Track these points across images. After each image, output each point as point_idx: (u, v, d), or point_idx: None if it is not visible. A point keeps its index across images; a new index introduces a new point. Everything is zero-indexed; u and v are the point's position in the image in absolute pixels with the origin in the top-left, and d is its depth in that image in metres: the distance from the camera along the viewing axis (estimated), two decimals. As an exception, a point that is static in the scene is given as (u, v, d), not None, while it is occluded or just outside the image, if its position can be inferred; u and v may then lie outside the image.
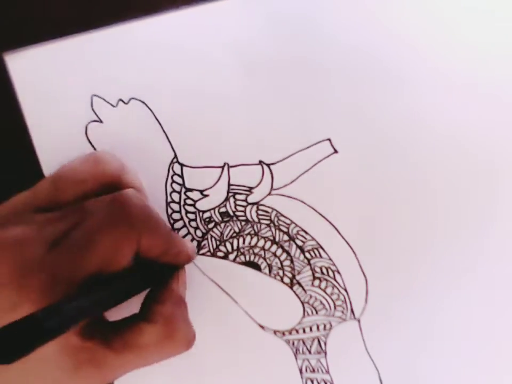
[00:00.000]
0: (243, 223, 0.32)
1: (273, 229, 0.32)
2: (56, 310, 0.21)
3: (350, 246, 0.32)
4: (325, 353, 0.31)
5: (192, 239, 0.32)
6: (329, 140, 0.32)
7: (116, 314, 0.27)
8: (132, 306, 0.27)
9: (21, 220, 0.26)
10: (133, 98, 0.32)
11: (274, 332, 0.31)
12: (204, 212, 0.32)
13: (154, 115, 0.32)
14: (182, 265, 0.29)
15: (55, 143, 0.32)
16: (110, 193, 0.27)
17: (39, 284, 0.23)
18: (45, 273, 0.24)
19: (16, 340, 0.19)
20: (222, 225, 0.32)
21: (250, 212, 0.32)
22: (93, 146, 0.32)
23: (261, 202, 0.32)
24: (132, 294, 0.27)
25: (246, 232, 0.32)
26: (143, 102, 0.32)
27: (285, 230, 0.32)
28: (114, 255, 0.25)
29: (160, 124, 0.32)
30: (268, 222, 0.32)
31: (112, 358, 0.25)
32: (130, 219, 0.26)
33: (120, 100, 0.32)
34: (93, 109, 0.32)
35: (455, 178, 0.32)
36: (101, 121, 0.32)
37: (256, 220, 0.32)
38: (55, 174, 0.28)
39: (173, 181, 0.32)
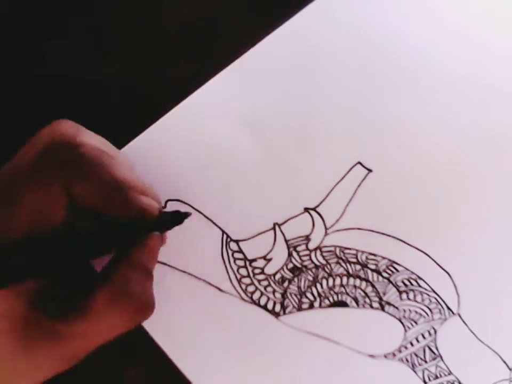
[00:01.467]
0: (314, 270, 0.33)
1: (343, 264, 0.33)
2: None
3: (420, 250, 0.32)
4: (440, 356, 0.32)
5: (274, 303, 0.33)
6: (359, 162, 0.33)
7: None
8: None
9: None
10: (168, 200, 0.34)
11: (385, 356, 0.32)
12: (274, 274, 0.33)
13: (193, 207, 0.33)
14: (146, 226, 0.27)
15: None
16: None
17: None
18: None
19: None
20: (296, 279, 0.33)
21: (316, 257, 0.33)
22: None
23: (322, 245, 0.33)
24: (84, 255, 0.26)
25: (320, 276, 0.33)
26: (179, 200, 0.34)
27: (354, 260, 0.33)
28: (41, 207, 0.24)
29: (201, 213, 0.33)
30: (335, 259, 0.33)
31: (63, 328, 0.24)
32: (52, 166, 0.25)
33: (158, 206, 0.34)
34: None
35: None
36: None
37: (324, 262, 0.33)
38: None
39: (235, 258, 0.33)
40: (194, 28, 0.38)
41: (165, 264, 0.33)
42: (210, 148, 0.34)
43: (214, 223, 0.33)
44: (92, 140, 0.27)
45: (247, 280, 0.33)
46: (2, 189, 0.25)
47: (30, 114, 0.37)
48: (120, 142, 0.35)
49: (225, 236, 0.33)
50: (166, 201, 0.34)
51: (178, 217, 0.29)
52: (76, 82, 0.37)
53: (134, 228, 0.27)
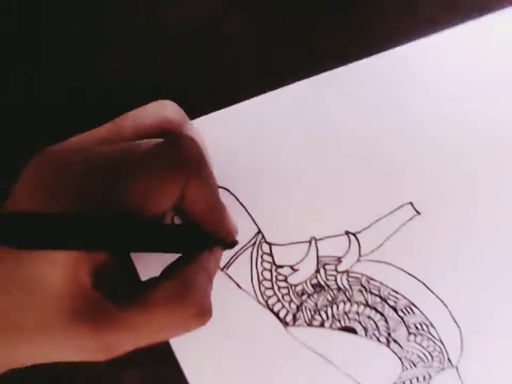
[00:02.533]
0: (335, 291, 0.33)
1: (364, 293, 0.33)
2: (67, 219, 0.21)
3: (441, 300, 0.33)
4: (428, 401, 0.33)
5: (287, 312, 0.33)
6: (411, 203, 0.33)
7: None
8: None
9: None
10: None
11: (377, 388, 0.33)
12: (296, 285, 0.33)
13: (238, 200, 0.32)
14: (221, 242, 0.27)
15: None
16: None
17: (74, 192, 0.23)
18: (80, 183, 0.23)
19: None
20: (315, 295, 0.33)
21: (341, 280, 0.33)
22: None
23: (350, 270, 0.33)
24: (162, 248, 0.25)
25: (339, 299, 0.33)
26: (226, 189, 0.32)
27: (376, 292, 0.33)
28: (155, 193, 0.23)
29: (244, 208, 0.33)
30: (359, 287, 0.33)
31: (115, 315, 0.22)
32: (181, 160, 0.24)
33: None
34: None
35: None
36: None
37: (347, 287, 0.33)
38: (119, 116, 0.27)
39: (263, 260, 0.33)
40: (194, 28, 0.37)
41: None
42: (269, 148, 0.33)
43: (254, 221, 0.33)
44: (195, 133, 0.27)
45: (267, 284, 0.33)
46: (116, 164, 0.24)
47: (29, 114, 0.35)
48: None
49: (260, 235, 0.33)
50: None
51: (233, 244, 0.29)
52: (76, 82, 0.36)
53: (210, 238, 0.27)
